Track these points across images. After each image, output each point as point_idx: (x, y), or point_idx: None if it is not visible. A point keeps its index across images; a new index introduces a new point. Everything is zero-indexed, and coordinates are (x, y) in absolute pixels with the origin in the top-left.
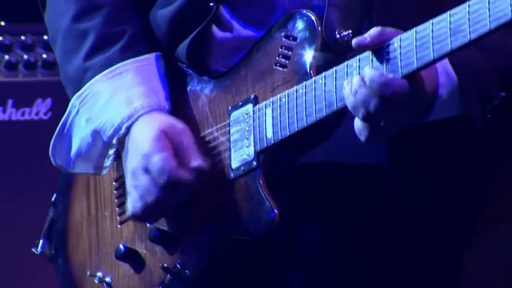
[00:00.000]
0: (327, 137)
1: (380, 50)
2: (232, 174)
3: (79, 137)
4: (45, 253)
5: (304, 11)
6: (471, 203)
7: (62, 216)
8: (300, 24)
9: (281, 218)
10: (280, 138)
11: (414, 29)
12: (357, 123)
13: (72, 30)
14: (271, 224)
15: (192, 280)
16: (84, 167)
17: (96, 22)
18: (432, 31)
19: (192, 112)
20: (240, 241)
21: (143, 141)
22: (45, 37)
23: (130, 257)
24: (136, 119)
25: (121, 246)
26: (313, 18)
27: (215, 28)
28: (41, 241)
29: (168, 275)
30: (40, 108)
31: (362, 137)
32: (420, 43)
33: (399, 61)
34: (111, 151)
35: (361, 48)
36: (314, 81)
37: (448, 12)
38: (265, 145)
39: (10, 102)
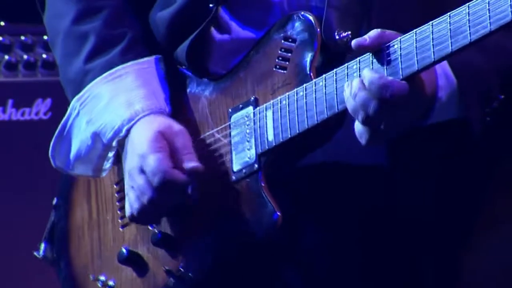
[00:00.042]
0: (328, 139)
1: (381, 52)
2: (233, 177)
3: (79, 139)
4: (47, 256)
5: (303, 13)
6: (470, 204)
7: (64, 219)
8: (299, 26)
9: (282, 219)
10: (281, 140)
11: (414, 31)
12: (358, 126)
13: (72, 32)
14: (274, 226)
15: (195, 283)
16: (83, 169)
17: (96, 25)
18: (432, 32)
19: (192, 114)
20: (242, 243)
21: (141, 142)
22: (45, 37)
23: (133, 260)
24: (136, 122)
25: (124, 250)
26: (311, 19)
27: (213, 30)
28: (42, 245)
29: (172, 279)
30: (40, 108)
31: (363, 141)
32: (421, 45)
33: (400, 63)
34: (111, 154)
35: (361, 49)
36: (315, 83)
37: (448, 14)
38: (267, 147)
39: (10, 102)
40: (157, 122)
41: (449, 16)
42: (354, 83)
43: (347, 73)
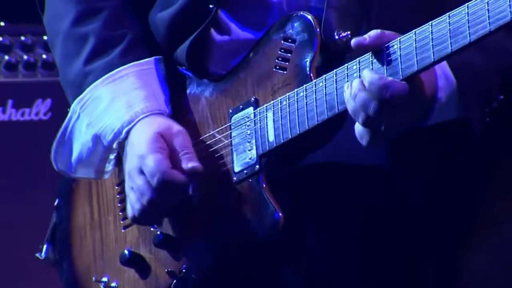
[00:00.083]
0: (329, 139)
1: (380, 53)
2: (235, 178)
3: (80, 142)
4: (49, 258)
5: (302, 13)
6: (470, 204)
7: (65, 220)
8: (298, 26)
9: (283, 220)
10: (282, 141)
11: (413, 31)
12: (358, 128)
13: (72, 33)
14: (276, 226)
15: (197, 284)
16: (85, 172)
17: (96, 26)
18: (432, 33)
19: (193, 115)
20: (244, 244)
21: (140, 143)
22: (45, 37)
23: (135, 262)
24: (136, 123)
25: (126, 251)
26: (311, 19)
27: (213, 31)
28: (44, 246)
29: (174, 280)
30: (40, 109)
31: (364, 142)
32: (420, 45)
33: (400, 63)
34: (112, 156)
35: (361, 48)
36: (315, 83)
37: (448, 14)
38: (267, 148)
39: (10, 102)
40: (157, 123)
41: (449, 16)
42: (354, 84)
43: (347, 73)
